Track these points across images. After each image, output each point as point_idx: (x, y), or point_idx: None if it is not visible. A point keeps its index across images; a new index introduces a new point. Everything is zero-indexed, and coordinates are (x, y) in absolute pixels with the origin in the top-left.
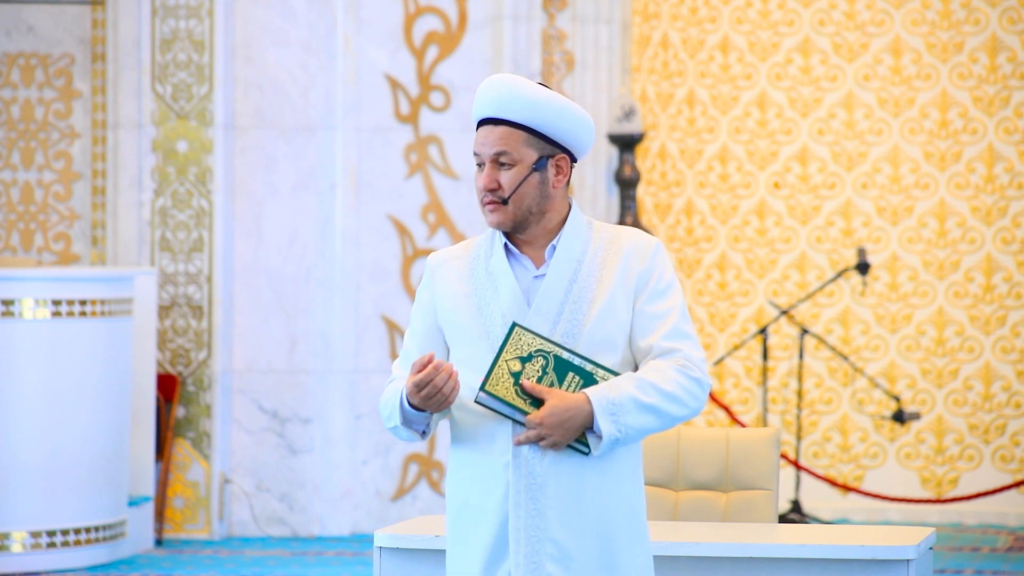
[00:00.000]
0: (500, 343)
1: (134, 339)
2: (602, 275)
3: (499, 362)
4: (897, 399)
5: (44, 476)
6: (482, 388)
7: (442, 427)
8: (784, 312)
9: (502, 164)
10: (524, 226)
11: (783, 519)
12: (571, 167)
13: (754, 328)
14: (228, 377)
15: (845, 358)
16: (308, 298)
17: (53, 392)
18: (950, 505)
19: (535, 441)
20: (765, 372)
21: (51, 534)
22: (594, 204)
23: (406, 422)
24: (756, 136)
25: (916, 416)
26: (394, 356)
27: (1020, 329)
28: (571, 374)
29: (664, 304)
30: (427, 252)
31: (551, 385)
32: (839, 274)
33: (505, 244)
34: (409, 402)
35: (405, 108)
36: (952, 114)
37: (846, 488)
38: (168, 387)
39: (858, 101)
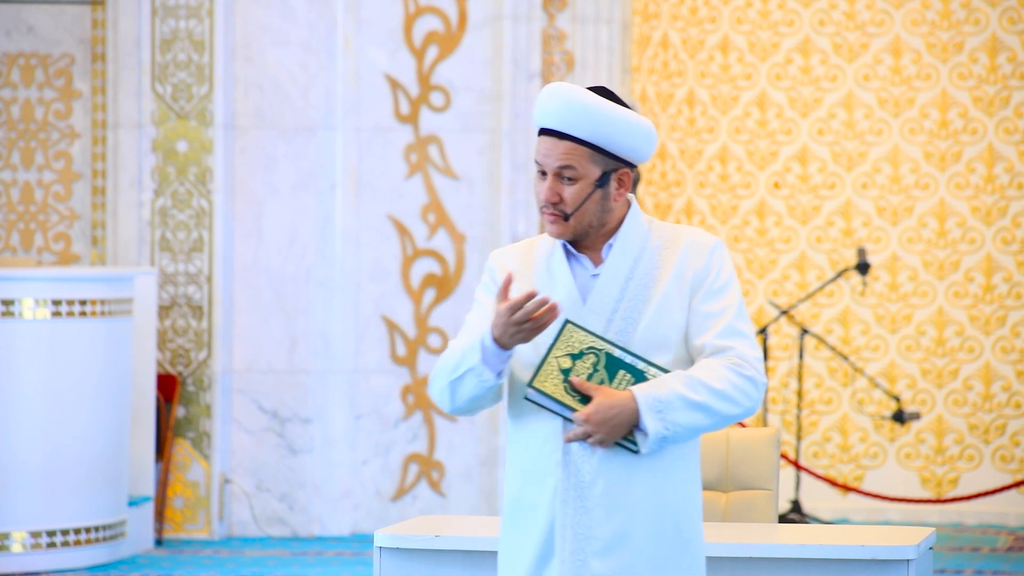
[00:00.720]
0: (551, 340)
1: (134, 339)
2: (658, 274)
3: (548, 358)
4: (897, 399)
5: (44, 476)
6: (530, 384)
7: (442, 426)
8: (784, 312)
9: (566, 178)
10: (584, 237)
11: (783, 519)
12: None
13: (754, 328)
14: (228, 377)
15: (845, 358)
16: (308, 298)
17: (53, 392)
18: (950, 505)
19: (583, 438)
20: (765, 372)
21: (51, 534)
22: None
23: (485, 360)
24: (756, 136)
25: (916, 416)
26: (394, 356)
27: (1020, 329)
28: (622, 372)
29: (720, 303)
30: (427, 252)
31: (601, 383)
32: (839, 274)
33: (564, 243)
34: (497, 335)
35: (405, 108)
36: (952, 114)
37: (846, 488)
38: (168, 387)
39: (858, 101)
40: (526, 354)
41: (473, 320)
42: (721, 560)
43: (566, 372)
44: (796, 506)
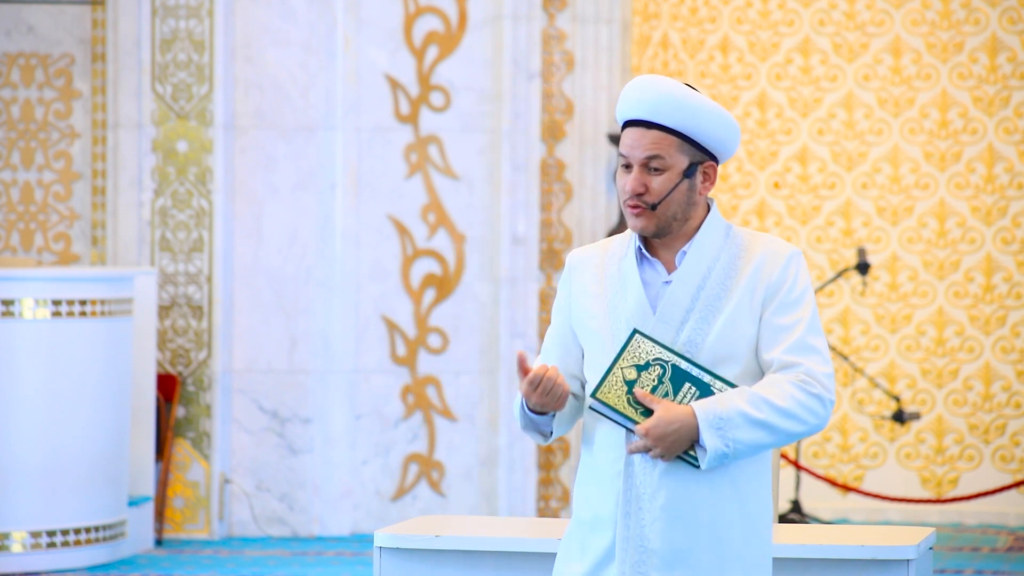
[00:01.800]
0: (619, 349)
1: (134, 339)
2: (732, 284)
3: (614, 369)
4: (897, 399)
5: (44, 476)
6: (592, 395)
7: (442, 426)
8: None
9: (652, 169)
10: (666, 232)
11: (783, 519)
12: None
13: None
14: (228, 377)
15: (845, 358)
16: (308, 298)
17: (53, 392)
18: (950, 505)
19: (644, 451)
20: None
21: (51, 534)
22: (594, 204)
23: (529, 424)
24: (756, 136)
25: (916, 416)
26: (394, 356)
27: (1020, 329)
28: (687, 385)
29: (792, 316)
30: (427, 252)
31: (666, 395)
32: (839, 274)
33: (639, 247)
34: (528, 406)
35: (405, 108)
36: (952, 114)
37: (846, 488)
38: (168, 387)
39: (858, 101)
40: (603, 363)
41: (547, 339)
42: None
43: (630, 383)
44: (796, 506)
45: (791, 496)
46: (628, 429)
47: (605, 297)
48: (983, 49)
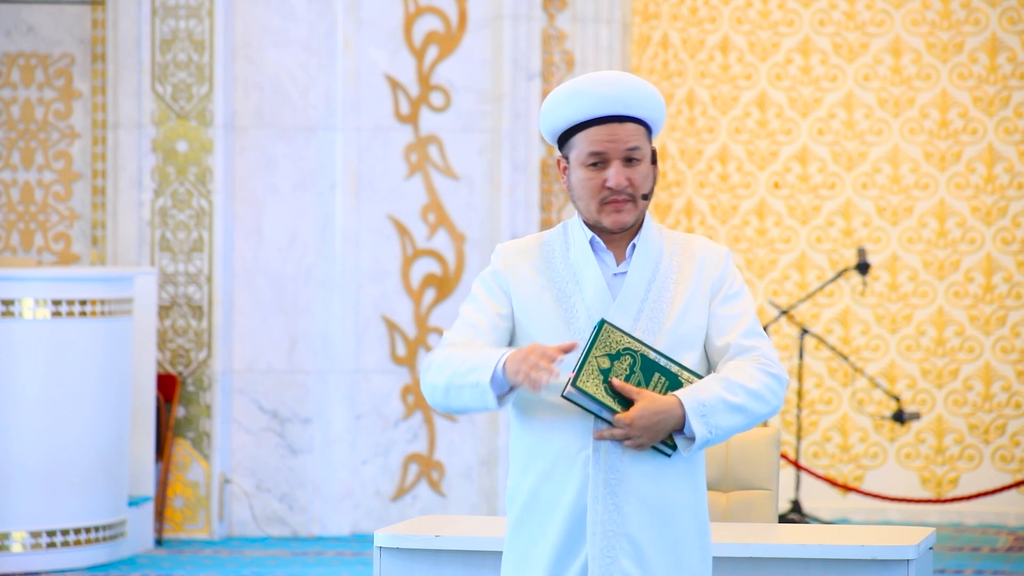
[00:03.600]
0: (589, 338)
1: (134, 339)
2: (679, 277)
3: (589, 358)
4: (897, 399)
5: (44, 476)
6: (573, 383)
7: (442, 426)
8: (784, 312)
9: (631, 160)
10: (639, 221)
11: (783, 519)
12: None
13: None
14: (228, 377)
15: (845, 358)
16: (308, 298)
17: (53, 392)
18: (950, 505)
19: (619, 439)
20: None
21: (51, 534)
22: None
23: (493, 381)
24: (756, 136)
25: (916, 416)
26: (394, 356)
27: (1020, 329)
28: (657, 374)
29: (737, 306)
30: (427, 252)
31: (638, 385)
32: (839, 274)
33: (594, 239)
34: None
35: (405, 108)
36: (952, 114)
37: (846, 488)
38: (168, 387)
39: (858, 101)
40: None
41: (472, 317)
42: (721, 560)
43: (605, 372)
44: (796, 506)
45: (791, 496)
46: (603, 419)
47: (552, 287)
48: (983, 49)
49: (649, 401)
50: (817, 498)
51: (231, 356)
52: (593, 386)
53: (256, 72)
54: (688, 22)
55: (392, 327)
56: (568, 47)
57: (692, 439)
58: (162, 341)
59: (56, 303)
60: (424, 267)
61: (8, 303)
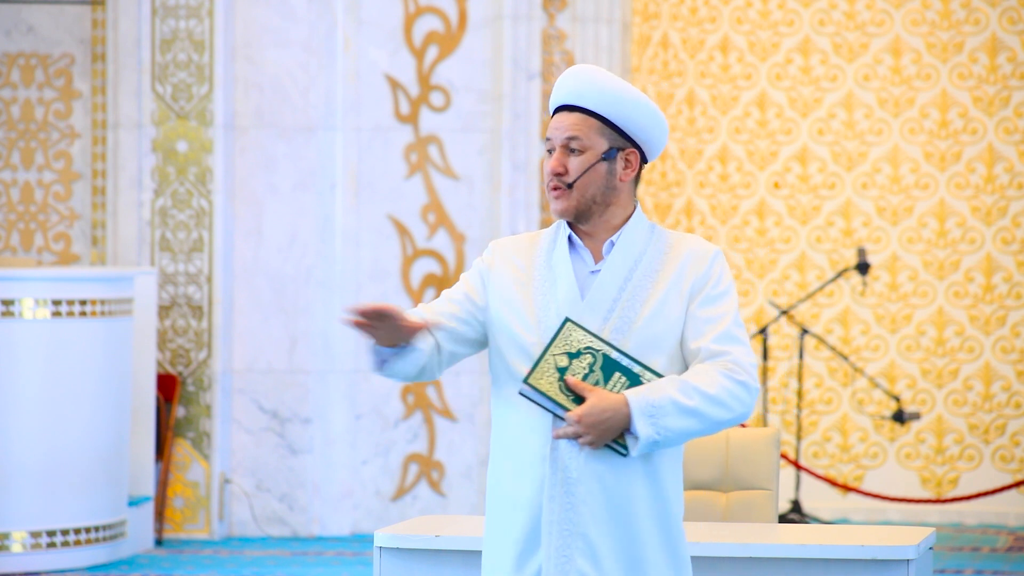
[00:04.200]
0: (551, 336)
1: (134, 339)
2: (658, 276)
3: (546, 356)
4: (897, 399)
5: (44, 476)
6: (525, 380)
7: (442, 426)
8: (784, 312)
9: (572, 150)
10: (587, 216)
11: (783, 519)
12: (641, 165)
13: (754, 328)
14: (228, 377)
15: (845, 358)
16: (308, 298)
17: (53, 392)
18: (950, 505)
19: (573, 437)
20: (765, 372)
21: (51, 534)
22: None
23: (378, 363)
24: (756, 136)
25: (916, 416)
26: None
27: (1020, 329)
28: (617, 374)
29: (717, 309)
30: (427, 252)
31: (596, 383)
32: (839, 274)
33: (569, 236)
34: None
35: (405, 108)
36: (952, 114)
37: (846, 488)
38: (168, 387)
39: (858, 101)
40: (527, 346)
41: (447, 292)
42: (721, 560)
43: (562, 371)
44: (796, 506)
45: (791, 496)
46: (558, 416)
47: (531, 284)
48: (983, 49)
49: (598, 399)
50: (817, 498)
51: (231, 356)
52: (547, 384)
53: (256, 72)
54: (688, 22)
55: None
56: (568, 47)
57: (639, 439)
58: (162, 341)
59: (56, 303)
60: (424, 267)
61: (8, 303)
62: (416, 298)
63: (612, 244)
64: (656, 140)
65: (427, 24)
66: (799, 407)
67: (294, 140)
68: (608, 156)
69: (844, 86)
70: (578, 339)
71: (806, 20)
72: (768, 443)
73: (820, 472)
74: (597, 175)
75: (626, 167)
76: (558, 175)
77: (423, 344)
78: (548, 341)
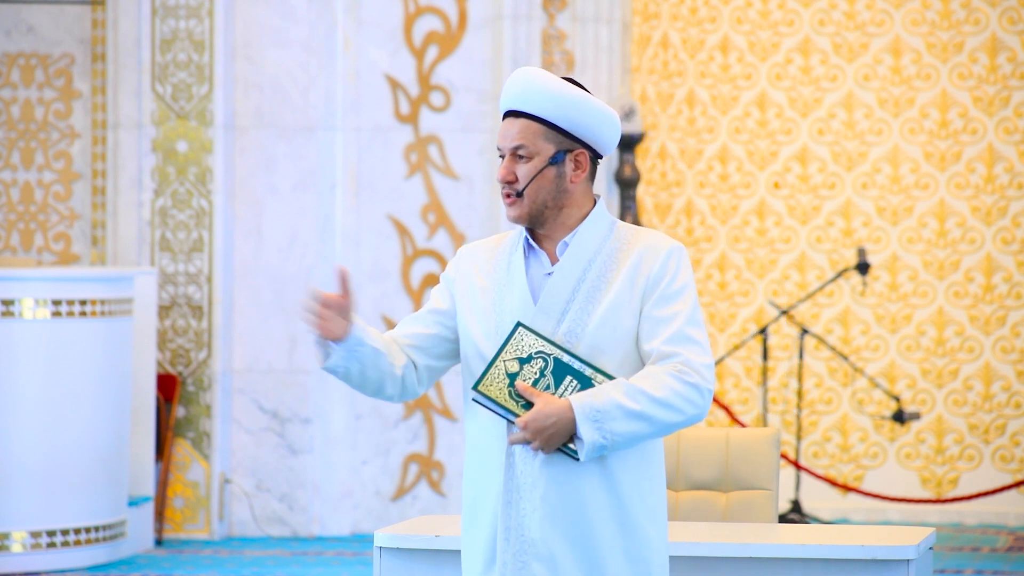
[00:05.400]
0: (502, 342)
1: (134, 339)
2: (611, 276)
3: (496, 362)
4: (897, 399)
5: (44, 476)
6: (474, 387)
7: (442, 426)
8: (784, 312)
9: (520, 157)
10: (540, 220)
11: (783, 519)
12: (594, 163)
13: (754, 328)
14: (228, 377)
15: (845, 358)
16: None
17: (53, 392)
18: (950, 505)
19: (526, 443)
20: (765, 372)
21: (51, 534)
22: None
23: (317, 342)
24: (756, 136)
25: (916, 416)
26: None
27: (1020, 329)
28: (569, 377)
29: (671, 308)
30: (427, 252)
31: (547, 388)
32: (839, 274)
33: (527, 239)
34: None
35: (405, 108)
36: (952, 114)
37: (846, 488)
38: (168, 387)
39: (858, 101)
40: (481, 355)
41: (418, 313)
42: (721, 560)
43: (512, 376)
44: (796, 506)
45: (791, 496)
46: (509, 421)
47: (493, 290)
48: (983, 49)
49: (543, 404)
50: (817, 498)
51: (231, 356)
52: (496, 390)
53: (256, 72)
54: (688, 22)
55: (392, 327)
56: (568, 47)
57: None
58: (162, 341)
59: (56, 303)
60: (424, 267)
61: (8, 303)
62: (416, 298)
63: (566, 245)
64: (606, 137)
65: (427, 24)
66: (799, 407)
67: (294, 140)
68: (555, 160)
69: (844, 86)
70: (529, 344)
71: (806, 20)
72: (768, 443)
73: (820, 472)
74: (546, 180)
75: (576, 168)
76: (508, 183)
77: (378, 344)
78: (499, 346)
